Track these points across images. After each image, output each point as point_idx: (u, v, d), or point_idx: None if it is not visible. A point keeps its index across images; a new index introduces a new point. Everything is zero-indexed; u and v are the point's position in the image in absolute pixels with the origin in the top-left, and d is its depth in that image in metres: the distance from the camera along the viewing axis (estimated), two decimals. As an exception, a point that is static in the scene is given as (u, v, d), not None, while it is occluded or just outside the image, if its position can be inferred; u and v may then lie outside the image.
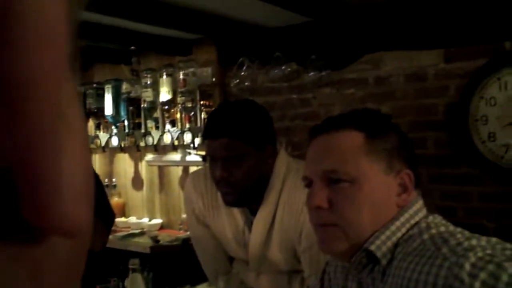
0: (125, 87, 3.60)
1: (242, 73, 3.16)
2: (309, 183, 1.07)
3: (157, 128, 3.57)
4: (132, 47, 3.35)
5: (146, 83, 3.47)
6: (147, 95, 3.46)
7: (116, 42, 3.28)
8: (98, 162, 4.10)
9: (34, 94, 0.19)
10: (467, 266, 0.81)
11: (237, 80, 3.21)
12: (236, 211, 1.76)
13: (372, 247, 0.99)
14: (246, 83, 3.19)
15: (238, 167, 1.58)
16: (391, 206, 1.02)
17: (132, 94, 3.58)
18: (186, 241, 3.21)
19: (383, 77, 2.74)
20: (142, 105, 3.53)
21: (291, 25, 3.00)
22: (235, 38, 3.24)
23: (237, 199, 1.67)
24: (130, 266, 1.66)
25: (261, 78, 3.16)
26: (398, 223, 1.01)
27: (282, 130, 2.84)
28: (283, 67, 2.98)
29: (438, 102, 2.57)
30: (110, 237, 2.37)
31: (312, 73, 2.89)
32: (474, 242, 0.88)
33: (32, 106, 0.20)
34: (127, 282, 1.73)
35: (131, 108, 3.65)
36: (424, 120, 2.61)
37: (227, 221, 1.79)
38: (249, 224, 1.75)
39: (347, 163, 1.02)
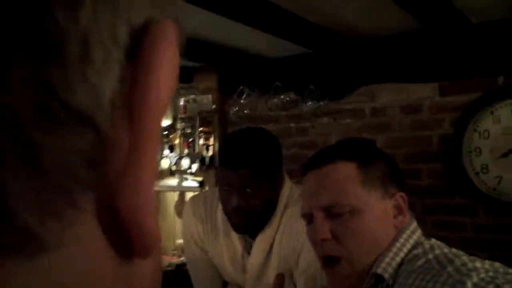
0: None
1: (242, 101, 3.22)
2: (310, 219, 1.09)
3: (155, 153, 3.60)
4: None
5: (147, 109, 3.51)
6: (148, 121, 3.50)
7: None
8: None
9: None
10: (469, 285, 0.83)
11: (237, 108, 3.27)
12: (235, 236, 1.78)
13: (379, 270, 1.01)
14: (246, 111, 3.25)
15: (255, 196, 1.58)
16: (390, 229, 1.05)
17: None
18: (180, 267, 3.22)
19: (379, 109, 2.81)
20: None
21: (290, 56, 3.08)
22: (235, 66, 3.31)
23: (249, 226, 1.69)
24: None
25: (260, 106, 3.22)
26: (398, 244, 1.03)
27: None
28: (281, 96, 3.04)
29: (432, 134, 2.63)
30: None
31: (310, 103, 2.95)
32: (478, 264, 0.91)
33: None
34: None
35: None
36: (418, 152, 2.67)
37: (225, 245, 1.80)
38: (248, 247, 1.77)
39: (344, 195, 1.04)
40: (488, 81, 2.49)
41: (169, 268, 3.43)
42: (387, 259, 1.01)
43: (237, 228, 1.72)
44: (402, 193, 1.08)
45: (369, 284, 1.03)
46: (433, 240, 1.05)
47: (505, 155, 2.43)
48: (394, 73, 2.76)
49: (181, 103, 3.37)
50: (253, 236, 1.75)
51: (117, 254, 0.22)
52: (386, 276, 1.01)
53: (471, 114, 2.51)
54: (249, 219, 1.65)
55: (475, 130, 2.51)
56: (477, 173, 2.50)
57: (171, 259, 3.56)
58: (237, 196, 1.59)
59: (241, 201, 1.59)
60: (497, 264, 0.92)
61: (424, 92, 2.67)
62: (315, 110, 2.96)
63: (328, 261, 1.06)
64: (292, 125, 3.11)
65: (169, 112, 3.44)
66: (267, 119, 3.21)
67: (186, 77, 3.46)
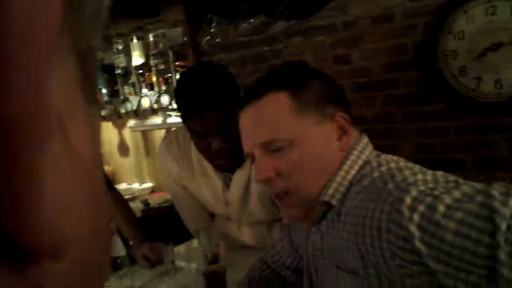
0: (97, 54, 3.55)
1: (212, 30, 3.12)
2: (253, 158, 1.05)
3: (135, 93, 3.55)
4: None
5: (118, 48, 3.42)
6: (120, 61, 3.43)
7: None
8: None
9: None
10: (408, 200, 0.80)
11: (208, 37, 3.17)
12: (212, 173, 1.78)
13: (326, 198, 0.99)
14: (217, 40, 3.16)
15: (230, 133, 1.55)
16: (335, 153, 1.01)
17: (106, 61, 3.54)
18: (175, 201, 3.27)
19: (350, 22, 2.70)
20: (116, 72, 3.50)
21: (255, -23, 2.93)
22: (201, -5, 3.18)
23: (232, 163, 1.69)
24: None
25: (231, 33, 3.12)
26: (345, 167, 1.00)
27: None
28: (251, 20, 2.94)
29: (407, 42, 2.55)
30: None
31: (280, 23, 2.85)
32: (419, 176, 0.87)
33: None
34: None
35: (106, 75, 3.62)
36: (394, 61, 2.60)
37: (204, 182, 1.81)
38: (228, 182, 1.77)
39: (280, 128, 0.99)
40: (459, -21, 2.38)
41: (165, 204, 3.49)
42: (334, 185, 0.99)
43: (224, 168, 1.72)
44: (342, 113, 1.02)
45: (320, 211, 1.02)
46: (383, 156, 1.01)
47: (482, 54, 2.36)
48: (363, -18, 2.64)
49: (151, 38, 3.27)
50: (231, 171, 1.75)
51: None
52: (334, 202, 0.99)
53: (444, 16, 2.42)
54: (232, 157, 1.64)
55: (449, 32, 2.43)
56: (454, 76, 2.44)
57: (167, 196, 3.60)
58: (214, 140, 1.56)
59: (219, 143, 1.57)
60: (439, 174, 0.89)
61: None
62: (287, 30, 2.86)
63: (279, 196, 1.04)
64: (265, 48, 3.02)
65: (140, 50, 3.35)
66: (239, 45, 3.12)
67: (152, 11, 3.33)
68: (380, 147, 1.06)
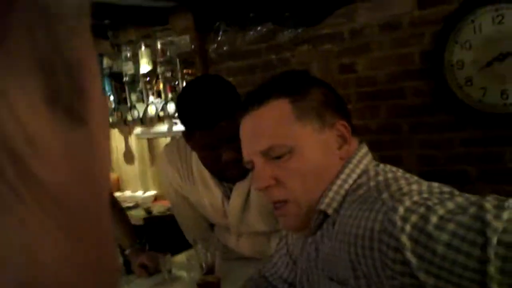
0: (106, 62, 3.58)
1: (220, 38, 3.13)
2: (252, 166, 1.05)
3: (142, 101, 3.56)
4: (106, 21, 3.31)
5: (126, 56, 3.44)
6: (128, 68, 3.45)
7: (91, 17, 3.24)
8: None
9: None
10: (401, 210, 0.80)
11: (215, 45, 3.18)
12: (212, 184, 1.76)
13: (323, 207, 0.98)
14: (225, 48, 3.16)
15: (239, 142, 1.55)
16: (335, 161, 1.01)
17: (114, 69, 3.57)
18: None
19: (357, 30, 2.69)
20: (124, 79, 3.52)
21: (263, -15, 2.95)
22: (210, 3, 3.19)
23: (240, 174, 1.67)
24: None
25: (239, 41, 3.12)
26: (343, 176, 1.00)
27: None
28: (259, 28, 2.95)
29: (413, 51, 2.53)
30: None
31: (288, 32, 2.85)
32: (414, 187, 0.87)
33: None
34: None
35: (114, 83, 3.64)
36: (401, 70, 2.57)
37: (205, 192, 1.80)
38: (228, 193, 1.76)
39: (281, 135, 0.99)
40: (466, -12, 2.37)
41: (168, 213, 3.48)
42: (331, 194, 0.98)
43: (232, 178, 1.70)
44: (343, 121, 1.02)
45: (318, 220, 1.01)
46: (381, 166, 1.00)
47: (488, 64, 2.33)
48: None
49: (159, 46, 3.29)
50: (233, 182, 1.73)
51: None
52: (330, 211, 0.98)
53: (451, 25, 2.40)
54: (242, 167, 1.63)
55: (456, 42, 2.40)
56: (460, 87, 2.41)
57: (168, 204, 3.59)
58: (226, 150, 1.54)
59: (232, 153, 1.54)
60: (435, 185, 0.88)
61: (402, 7, 2.55)
62: (294, 38, 2.86)
63: (277, 205, 1.04)
64: (273, 56, 3.02)
65: (148, 57, 3.37)
66: (247, 53, 3.12)
67: (161, 19, 3.36)
68: (386, 158, 1.07)
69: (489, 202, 0.73)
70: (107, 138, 0.24)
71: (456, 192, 0.84)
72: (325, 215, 1.00)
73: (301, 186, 0.99)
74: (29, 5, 0.19)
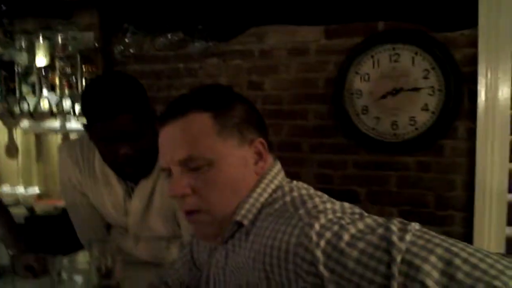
0: (-5, 49, 3.33)
1: (127, 40, 3.08)
2: (169, 172, 1.06)
3: (34, 93, 3.36)
4: (3, 7, 3.08)
5: (21, 46, 3.24)
6: (22, 59, 3.24)
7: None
8: (-35, 129, 3.78)
9: None
10: (317, 226, 0.86)
11: (122, 47, 3.13)
12: (115, 182, 1.75)
13: (239, 218, 1.02)
14: (131, 50, 3.12)
15: (139, 141, 1.55)
16: (251, 176, 1.04)
17: (5, 57, 3.33)
18: (66, 210, 3.14)
19: (267, 50, 2.83)
20: (16, 70, 3.30)
21: (177, -7, 2.96)
22: (117, 2, 3.13)
23: (137, 173, 1.67)
24: None
25: (147, 45, 3.10)
26: (259, 190, 1.04)
27: (169, 100, 2.82)
28: (169, 36, 2.95)
29: (318, 77, 2.72)
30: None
31: (198, 43, 2.89)
32: (328, 205, 0.94)
33: None
34: None
35: (3, 72, 3.39)
36: (305, 93, 2.75)
37: (106, 190, 1.78)
38: (130, 191, 1.75)
39: (201, 147, 1.00)
40: (369, 26, 2.60)
41: (55, 213, 3.33)
42: (247, 206, 1.02)
43: (128, 177, 1.70)
44: (261, 139, 1.06)
45: (232, 231, 1.05)
46: (294, 182, 1.07)
47: (383, 96, 2.59)
48: (282, 15, 2.78)
49: (59, 40, 3.13)
50: (135, 181, 1.74)
51: None
52: (245, 222, 1.02)
53: (353, 57, 2.62)
54: (140, 165, 1.64)
55: (356, 73, 2.63)
56: (357, 114, 2.65)
57: (56, 203, 3.43)
58: (123, 146, 1.54)
59: (128, 149, 1.55)
60: (346, 205, 0.96)
61: (310, 35, 2.72)
62: (204, 50, 2.91)
63: (189, 213, 1.05)
64: (181, 65, 3.05)
65: (46, 50, 3.20)
66: (155, 59, 3.11)
67: (64, 13, 3.21)
68: (286, 174, 1.11)
69: (395, 225, 0.84)
70: None
71: (366, 214, 0.93)
72: (239, 226, 1.04)
73: (216, 198, 1.02)
74: None
